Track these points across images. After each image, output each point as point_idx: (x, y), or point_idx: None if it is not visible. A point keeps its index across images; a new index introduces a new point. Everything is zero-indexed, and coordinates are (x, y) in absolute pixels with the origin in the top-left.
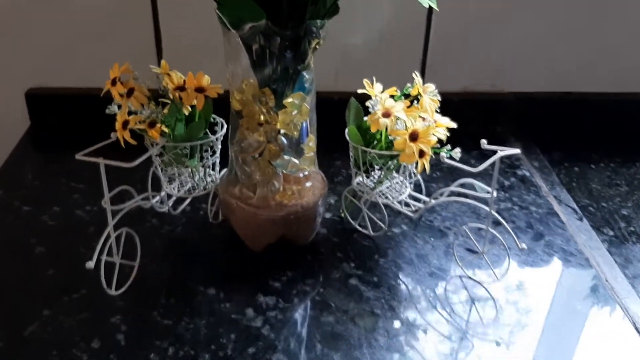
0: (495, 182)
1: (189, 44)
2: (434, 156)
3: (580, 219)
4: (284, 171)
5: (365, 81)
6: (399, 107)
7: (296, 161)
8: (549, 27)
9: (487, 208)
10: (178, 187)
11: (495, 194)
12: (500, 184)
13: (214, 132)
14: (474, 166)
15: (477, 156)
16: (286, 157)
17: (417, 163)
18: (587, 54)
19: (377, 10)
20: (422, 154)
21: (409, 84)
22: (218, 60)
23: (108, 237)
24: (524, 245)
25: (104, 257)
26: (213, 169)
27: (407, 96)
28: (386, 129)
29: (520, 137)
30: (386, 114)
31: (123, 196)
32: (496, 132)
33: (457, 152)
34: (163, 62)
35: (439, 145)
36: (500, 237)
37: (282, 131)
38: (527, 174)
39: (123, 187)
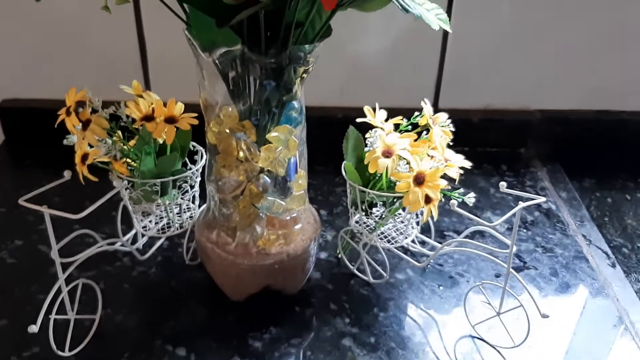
0: (515, 237)
1: (177, 55)
2: (442, 199)
3: (613, 265)
4: (268, 213)
5: (367, 108)
6: (402, 145)
7: (282, 202)
8: (583, 40)
9: (504, 265)
10: (151, 224)
11: (514, 249)
12: (522, 219)
13: (194, 162)
14: (492, 201)
15: (498, 184)
16: (270, 198)
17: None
18: (625, 70)
19: (389, 18)
20: (428, 199)
21: (417, 113)
22: None
23: (59, 291)
24: (546, 314)
25: (52, 316)
26: (193, 202)
27: (414, 126)
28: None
29: (547, 161)
30: (387, 153)
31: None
32: (520, 155)
33: (470, 198)
34: (135, 82)
35: (449, 187)
36: (520, 301)
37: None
38: (553, 207)
39: (79, 231)
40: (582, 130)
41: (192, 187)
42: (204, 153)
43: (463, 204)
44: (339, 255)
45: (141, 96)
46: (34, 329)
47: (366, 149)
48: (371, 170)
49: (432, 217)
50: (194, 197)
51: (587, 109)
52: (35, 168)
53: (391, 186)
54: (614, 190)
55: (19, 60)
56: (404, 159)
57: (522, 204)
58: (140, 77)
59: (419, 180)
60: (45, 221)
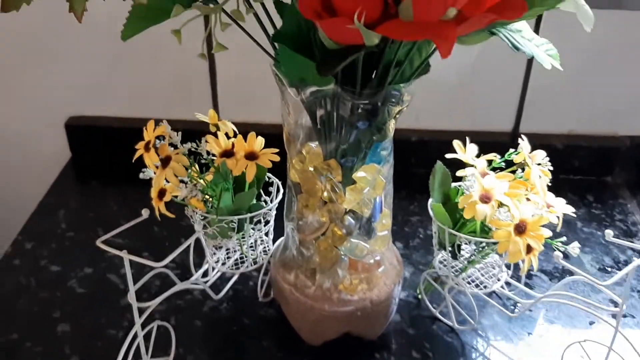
0: (628, 296)
1: (246, 76)
2: (542, 248)
3: None
4: (350, 256)
5: (456, 143)
6: (502, 189)
7: (365, 244)
8: None
9: (607, 322)
10: (224, 257)
11: (624, 307)
12: (615, 259)
13: (268, 193)
14: (579, 236)
15: (585, 216)
16: (353, 240)
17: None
18: None
19: None
20: (529, 249)
21: (512, 150)
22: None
23: (135, 336)
24: None
25: None
26: (267, 234)
27: (508, 164)
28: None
29: (637, 192)
30: (485, 198)
31: (158, 243)
32: (607, 184)
33: (575, 248)
34: (211, 111)
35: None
36: None
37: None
38: None
39: (157, 270)
40: None
41: (267, 222)
42: (279, 185)
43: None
44: (420, 296)
45: (217, 125)
46: None
47: (454, 184)
48: (467, 216)
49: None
50: (268, 231)
51: None
52: (102, 188)
53: (485, 229)
54: None
55: (86, 77)
56: (503, 204)
57: (637, 261)
58: (209, 97)
59: (521, 229)
60: (125, 266)
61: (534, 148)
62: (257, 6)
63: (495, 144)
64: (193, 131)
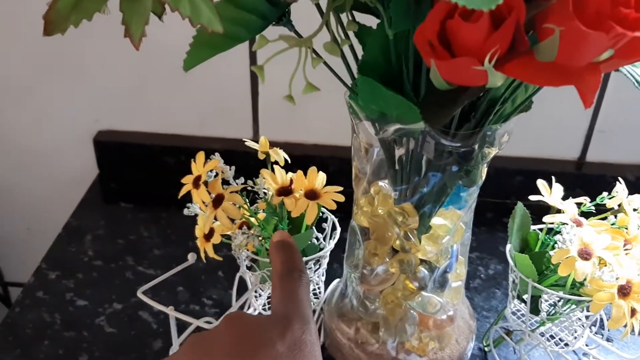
0: None
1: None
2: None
3: None
4: (421, 312)
5: (541, 183)
6: (603, 243)
7: (439, 299)
8: None
9: None
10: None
11: None
12: None
13: (320, 229)
14: None
15: None
16: (425, 294)
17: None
18: None
19: None
20: (632, 312)
21: (605, 193)
22: (328, 105)
23: None
24: None
25: None
26: (318, 277)
27: (600, 209)
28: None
29: None
30: (585, 255)
31: (194, 277)
32: None
33: None
34: (263, 139)
35: None
36: None
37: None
38: None
39: (202, 322)
40: None
41: (320, 264)
42: (335, 222)
43: None
44: (487, 349)
45: (267, 153)
46: None
47: (534, 226)
48: (563, 273)
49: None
50: (322, 273)
51: None
52: (131, 211)
53: (574, 284)
54: None
55: (117, 90)
56: (608, 262)
57: None
58: (249, 116)
59: (626, 291)
60: (170, 322)
61: (601, 179)
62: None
63: (559, 173)
64: (232, 152)
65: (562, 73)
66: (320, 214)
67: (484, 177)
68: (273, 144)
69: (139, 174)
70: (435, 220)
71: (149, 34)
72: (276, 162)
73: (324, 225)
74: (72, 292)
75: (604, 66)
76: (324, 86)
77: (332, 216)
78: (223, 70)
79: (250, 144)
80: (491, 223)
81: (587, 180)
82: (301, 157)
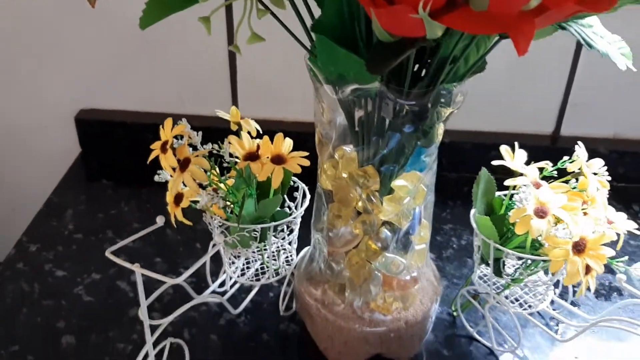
0: None
1: (268, 70)
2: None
3: None
4: (385, 272)
5: (504, 148)
6: (559, 202)
7: (403, 260)
8: None
9: None
10: (242, 266)
11: None
12: None
13: (292, 198)
14: (625, 250)
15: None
16: (389, 255)
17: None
18: None
19: None
20: (587, 270)
21: (566, 157)
22: (307, 82)
23: (146, 356)
24: None
25: None
26: (290, 244)
27: (560, 173)
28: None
29: None
30: (541, 213)
31: (171, 249)
32: None
33: (637, 269)
34: (233, 109)
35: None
36: None
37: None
38: None
39: (171, 282)
40: None
41: (291, 230)
42: (306, 191)
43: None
44: (455, 314)
45: (239, 124)
46: None
47: (499, 193)
48: (520, 232)
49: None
50: (292, 240)
51: None
52: (112, 187)
53: (534, 245)
54: None
55: (97, 69)
56: (560, 220)
57: None
58: (228, 92)
59: (580, 247)
60: (137, 280)
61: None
62: None
63: (535, 147)
64: (211, 129)
65: (497, 22)
66: (292, 183)
67: (440, 138)
68: (254, 121)
69: (120, 151)
70: (397, 182)
71: (127, 15)
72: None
73: (296, 194)
74: (51, 263)
75: (541, 19)
76: (301, 62)
77: (303, 184)
78: (201, 48)
79: (221, 114)
80: (467, 197)
81: (561, 153)
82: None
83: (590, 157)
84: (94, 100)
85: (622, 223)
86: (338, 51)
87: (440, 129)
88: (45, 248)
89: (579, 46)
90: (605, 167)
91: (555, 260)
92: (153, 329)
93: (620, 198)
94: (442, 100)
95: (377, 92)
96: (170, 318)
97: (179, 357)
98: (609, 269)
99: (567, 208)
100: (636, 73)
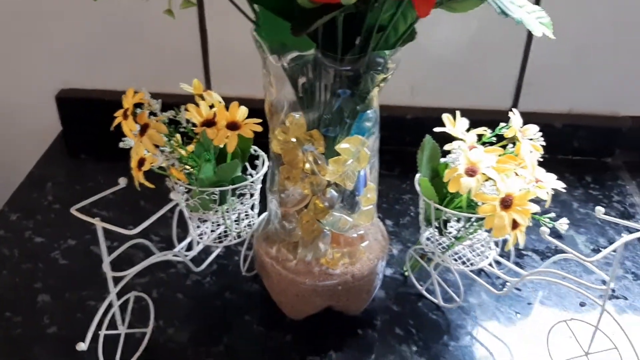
0: (615, 273)
1: (240, 50)
2: (530, 224)
3: None
4: (333, 230)
5: (446, 116)
6: (488, 162)
7: (349, 218)
8: None
9: (596, 301)
10: (207, 230)
11: (612, 284)
12: (610, 240)
13: (254, 167)
14: (575, 217)
15: (582, 197)
16: (336, 213)
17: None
18: None
19: (468, 14)
20: (515, 225)
21: (502, 124)
22: None
23: (110, 306)
24: None
25: (102, 332)
26: (252, 209)
27: (498, 138)
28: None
29: (637, 174)
30: (471, 172)
31: (144, 217)
32: (607, 165)
33: (563, 224)
34: (195, 81)
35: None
36: (615, 344)
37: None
38: None
39: (135, 241)
40: None
41: (252, 195)
42: (265, 159)
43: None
44: (406, 273)
45: (202, 96)
46: (82, 347)
47: (443, 159)
48: (452, 189)
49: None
50: (253, 205)
51: None
52: (92, 162)
53: (471, 205)
54: None
55: (77, 49)
56: (490, 178)
57: (625, 237)
58: (201, 71)
59: (507, 203)
60: (98, 234)
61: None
62: None
63: (493, 122)
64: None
65: None
66: (253, 152)
67: (376, 104)
68: (226, 99)
69: (99, 129)
70: (341, 145)
71: None
72: None
73: (257, 162)
74: (30, 230)
75: None
76: None
77: (263, 153)
78: (173, 27)
79: (185, 87)
80: None
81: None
82: (253, 111)
83: (546, 131)
84: (73, 80)
85: (550, 182)
86: (278, 21)
87: (376, 95)
88: (25, 217)
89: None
90: (560, 141)
91: (485, 215)
92: (117, 280)
93: (573, 169)
94: (376, 67)
95: (315, 59)
96: (133, 270)
97: (147, 313)
98: (557, 235)
99: (498, 169)
100: (589, 51)
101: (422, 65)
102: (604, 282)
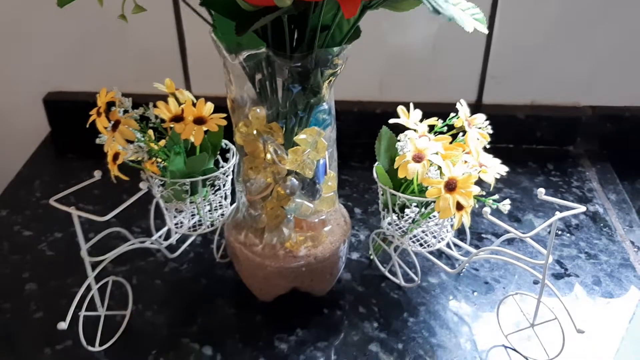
0: (551, 248)
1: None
2: (476, 206)
3: None
4: (296, 216)
5: (400, 108)
6: (434, 149)
7: (310, 205)
8: (639, 31)
9: (539, 275)
10: (184, 220)
11: (551, 258)
12: (567, 223)
13: (227, 160)
14: (535, 203)
15: (542, 184)
16: (298, 200)
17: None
18: None
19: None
20: (460, 206)
21: (452, 114)
22: None
23: (89, 288)
24: (582, 330)
25: (82, 313)
26: (225, 200)
27: (451, 128)
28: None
29: (597, 161)
30: (418, 158)
31: (126, 211)
32: (568, 154)
33: (505, 205)
34: (167, 80)
35: (483, 192)
36: (555, 314)
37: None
38: (601, 210)
39: (110, 230)
40: (637, 128)
41: (223, 185)
42: (235, 152)
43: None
44: (371, 257)
45: (174, 94)
46: (62, 326)
47: (398, 147)
48: (400, 175)
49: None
50: (225, 195)
51: None
52: (78, 161)
53: (423, 190)
54: None
55: (63, 54)
56: (436, 164)
57: (558, 215)
58: (180, 71)
59: (451, 186)
60: (74, 222)
61: (497, 119)
62: None
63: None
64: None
65: None
66: (224, 145)
67: (327, 97)
68: (206, 98)
69: (86, 129)
70: (299, 136)
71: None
72: None
73: (228, 155)
74: (19, 225)
75: None
76: None
77: (234, 147)
78: (151, 29)
79: (158, 86)
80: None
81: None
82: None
83: (509, 122)
84: (60, 83)
85: (494, 167)
86: (230, 22)
87: (326, 89)
88: (14, 212)
89: (492, 19)
90: (524, 131)
91: (432, 198)
92: (95, 265)
93: (536, 158)
94: (325, 63)
95: (267, 56)
96: (110, 254)
97: (126, 298)
98: (516, 219)
99: (446, 156)
100: (549, 44)
101: (389, 62)
102: (558, 264)
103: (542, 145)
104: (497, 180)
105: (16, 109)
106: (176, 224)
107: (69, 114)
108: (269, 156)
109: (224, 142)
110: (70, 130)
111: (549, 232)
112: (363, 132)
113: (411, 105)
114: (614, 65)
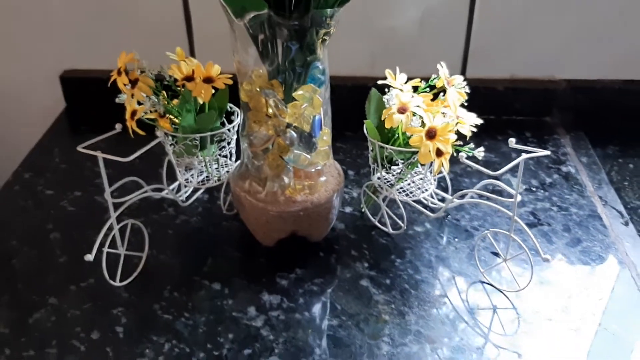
0: (519, 186)
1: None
2: (455, 154)
3: (626, 224)
4: (294, 165)
5: (388, 71)
6: (416, 102)
7: (307, 156)
8: (610, 7)
9: (510, 213)
10: (193, 177)
11: (519, 197)
12: (541, 182)
13: (231, 122)
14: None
15: (521, 152)
16: (296, 151)
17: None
18: None
19: None
20: (439, 153)
21: (434, 75)
22: None
23: (111, 228)
24: (547, 257)
25: (105, 250)
26: (230, 158)
27: (433, 88)
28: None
29: (572, 129)
30: (402, 110)
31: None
32: (545, 124)
33: (480, 152)
34: (178, 49)
35: (461, 143)
36: (525, 246)
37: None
38: (573, 170)
39: (129, 178)
40: (608, 99)
41: (228, 143)
42: (239, 113)
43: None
44: (363, 210)
45: (184, 61)
46: (89, 257)
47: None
48: (387, 125)
49: (448, 175)
50: (230, 153)
51: (614, 79)
52: (91, 133)
53: (408, 143)
54: (637, 157)
55: (78, 33)
56: (418, 115)
57: (525, 155)
58: (186, 47)
59: (431, 134)
60: (100, 166)
61: (478, 91)
62: None
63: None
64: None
65: None
66: (229, 109)
67: (322, 57)
68: None
69: (100, 105)
70: (297, 92)
71: None
72: None
73: (232, 117)
74: (42, 185)
75: None
76: None
77: (237, 109)
78: (158, 7)
79: (169, 54)
80: None
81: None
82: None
83: (490, 94)
84: (75, 62)
85: (469, 119)
86: None
87: (320, 47)
88: (37, 175)
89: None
90: (504, 103)
91: (414, 145)
92: (117, 207)
93: (515, 128)
94: (320, 23)
95: (268, 17)
96: (130, 197)
97: (142, 243)
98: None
99: (427, 110)
100: (527, 22)
101: (380, 40)
102: (532, 214)
103: (520, 116)
104: (478, 147)
105: (35, 86)
106: (186, 179)
107: (83, 91)
108: (270, 110)
109: (229, 106)
110: (85, 106)
111: (517, 175)
112: (356, 105)
113: (397, 68)
114: (586, 41)
